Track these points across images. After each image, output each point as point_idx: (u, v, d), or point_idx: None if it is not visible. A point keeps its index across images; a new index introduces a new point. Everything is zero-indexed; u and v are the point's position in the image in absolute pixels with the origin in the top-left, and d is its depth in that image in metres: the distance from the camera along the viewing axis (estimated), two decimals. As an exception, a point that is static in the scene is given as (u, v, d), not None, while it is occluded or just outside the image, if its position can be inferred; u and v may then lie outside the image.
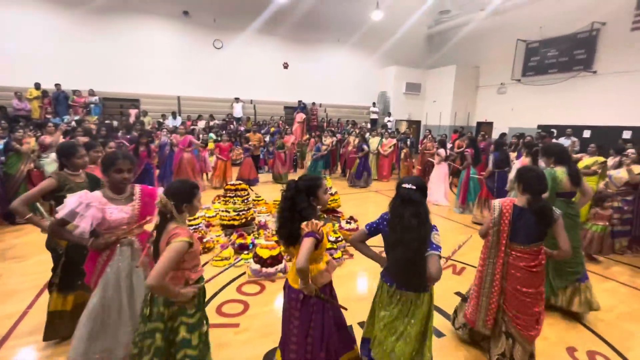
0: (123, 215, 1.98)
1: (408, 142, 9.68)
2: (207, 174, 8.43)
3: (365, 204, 7.13)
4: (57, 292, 2.38)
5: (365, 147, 8.55)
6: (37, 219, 2.25)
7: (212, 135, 10.75)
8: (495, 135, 12.46)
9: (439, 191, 7.01)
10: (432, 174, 7.29)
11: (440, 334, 2.73)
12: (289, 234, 1.78)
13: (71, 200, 1.86)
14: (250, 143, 8.51)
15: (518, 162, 4.95)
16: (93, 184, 2.46)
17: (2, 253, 4.00)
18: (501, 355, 2.28)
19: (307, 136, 10.88)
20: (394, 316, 1.86)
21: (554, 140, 8.21)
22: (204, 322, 1.77)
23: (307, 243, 1.65)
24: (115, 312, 1.95)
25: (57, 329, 2.40)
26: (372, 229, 1.96)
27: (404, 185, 1.80)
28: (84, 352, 1.91)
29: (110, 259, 1.99)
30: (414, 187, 1.78)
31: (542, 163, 3.62)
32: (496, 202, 2.24)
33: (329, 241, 4.12)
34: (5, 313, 2.83)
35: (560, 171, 3.07)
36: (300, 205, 1.76)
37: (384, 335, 1.88)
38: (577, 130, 10.21)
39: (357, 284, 3.62)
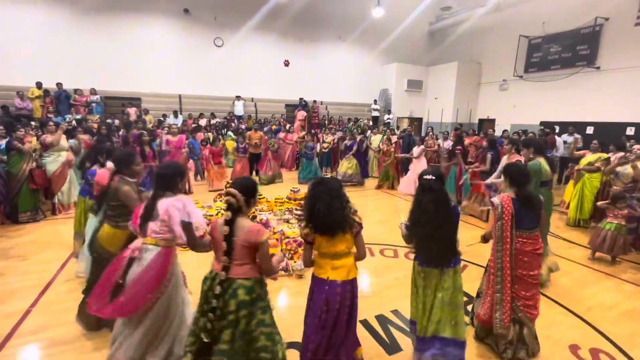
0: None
1: (392, 141, 8.91)
2: (208, 172, 8.41)
3: (366, 202, 7.12)
4: None
5: (354, 146, 8.52)
6: None
7: (230, 133, 10.73)
8: (498, 132, 12.39)
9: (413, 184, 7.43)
10: (411, 167, 7.81)
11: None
12: (332, 223, 1.87)
13: (192, 207, 2.04)
14: (246, 141, 8.24)
15: (504, 158, 4.93)
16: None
17: (5, 252, 4.02)
18: (509, 343, 2.39)
19: (303, 133, 10.79)
20: (424, 291, 2.15)
21: (557, 137, 8.21)
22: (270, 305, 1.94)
23: (363, 238, 2.01)
24: (167, 322, 2.02)
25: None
26: None
27: (425, 177, 2.09)
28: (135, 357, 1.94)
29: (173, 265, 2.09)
30: (434, 177, 2.06)
31: (521, 157, 3.91)
32: (496, 200, 2.41)
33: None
34: (8, 312, 2.84)
35: (544, 162, 3.48)
36: (346, 197, 1.95)
37: (421, 311, 2.16)
38: (579, 126, 10.13)
39: (358, 282, 3.60)
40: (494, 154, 5.52)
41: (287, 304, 3.25)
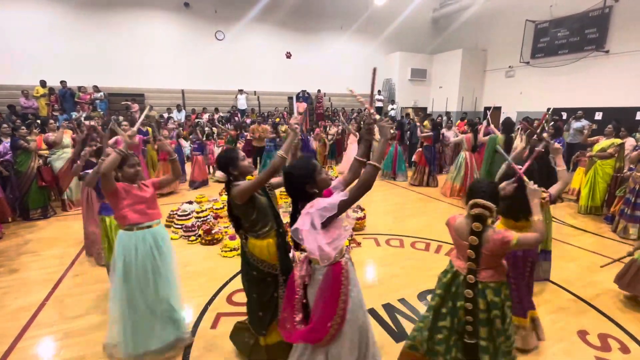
0: None
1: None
2: (213, 167, 8.45)
3: (371, 192, 7.08)
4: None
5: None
6: None
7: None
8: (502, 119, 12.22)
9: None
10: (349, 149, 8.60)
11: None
12: (518, 215, 2.21)
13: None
14: (250, 134, 8.20)
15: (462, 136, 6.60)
16: None
17: (18, 248, 4.11)
18: None
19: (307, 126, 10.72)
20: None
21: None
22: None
23: (538, 222, 2.27)
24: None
25: None
26: None
27: (536, 149, 2.77)
28: None
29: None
30: (543, 150, 2.76)
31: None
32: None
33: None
34: (24, 305, 2.92)
35: (500, 137, 5.45)
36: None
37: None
38: (588, 112, 9.94)
39: (365, 272, 3.64)
40: (435, 133, 7.36)
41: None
